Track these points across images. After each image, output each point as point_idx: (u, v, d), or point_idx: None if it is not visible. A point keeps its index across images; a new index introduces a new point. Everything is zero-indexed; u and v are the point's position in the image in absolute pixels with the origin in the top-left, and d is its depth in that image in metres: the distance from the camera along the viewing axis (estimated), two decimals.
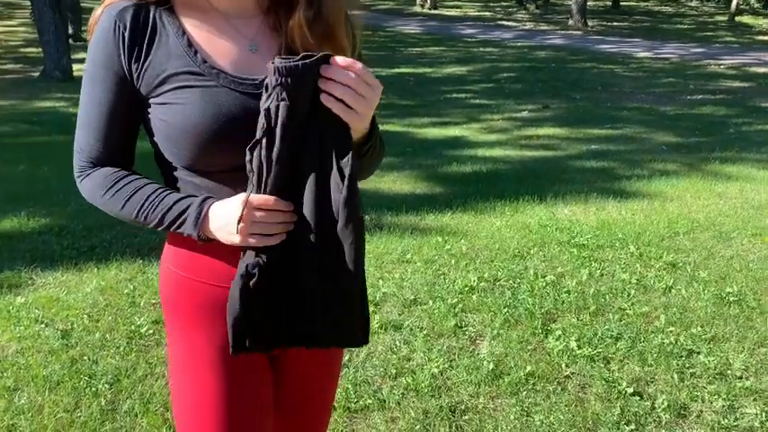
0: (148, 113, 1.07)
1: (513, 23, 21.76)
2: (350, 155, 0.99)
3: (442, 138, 7.52)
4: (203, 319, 1.16)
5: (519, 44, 17.47)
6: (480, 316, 2.94)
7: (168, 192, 1.08)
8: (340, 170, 1.00)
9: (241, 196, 1.02)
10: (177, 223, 1.06)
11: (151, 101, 1.06)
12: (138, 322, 2.81)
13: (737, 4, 22.27)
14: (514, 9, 25.45)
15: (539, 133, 8.31)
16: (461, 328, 2.82)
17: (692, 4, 27.25)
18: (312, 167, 1.01)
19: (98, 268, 3.37)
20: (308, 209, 1.02)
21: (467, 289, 3.18)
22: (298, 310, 1.08)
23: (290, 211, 1.03)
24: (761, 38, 19.01)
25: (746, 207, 4.66)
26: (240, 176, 1.06)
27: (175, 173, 1.10)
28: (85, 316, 2.87)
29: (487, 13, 24.22)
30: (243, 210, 1.00)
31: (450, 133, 8.02)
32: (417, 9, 24.86)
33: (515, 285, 3.25)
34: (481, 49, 16.63)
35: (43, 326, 2.78)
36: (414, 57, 15.36)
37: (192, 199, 1.07)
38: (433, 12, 24.26)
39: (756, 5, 25.48)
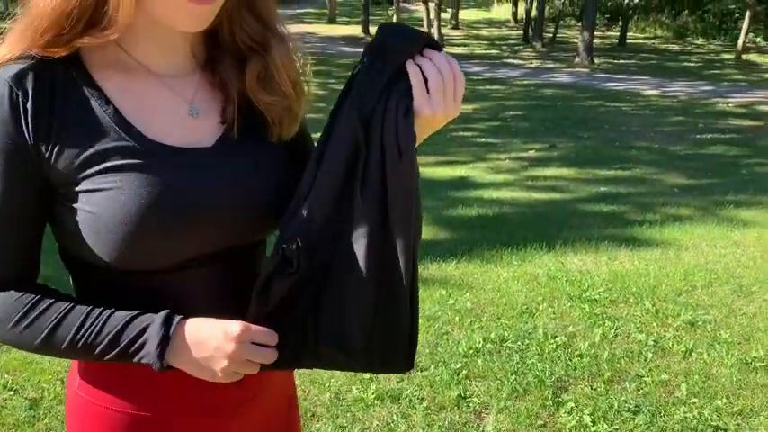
0: (64, 205, 0.83)
1: (520, 61, 21.82)
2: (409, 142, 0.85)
3: (448, 178, 7.37)
4: None
5: (525, 82, 17.46)
6: (486, 384, 2.71)
7: (110, 310, 0.84)
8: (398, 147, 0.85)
9: (228, 325, 0.82)
10: (133, 349, 0.82)
11: (69, 189, 0.82)
12: None
13: (744, 42, 22.28)
14: (521, 47, 25.56)
15: (546, 174, 8.14)
16: (465, 399, 2.60)
17: (699, 41, 27.33)
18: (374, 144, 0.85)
19: None
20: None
21: (471, 352, 2.95)
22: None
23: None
24: None
25: (766, 257, 4.43)
26: (190, 275, 0.86)
27: (100, 278, 0.86)
28: (58, 382, 2.66)
29: (494, 51, 24.33)
30: (235, 346, 0.81)
31: (457, 173, 7.87)
32: None
33: (524, 347, 3.02)
34: (488, 86, 16.60)
35: (12, 393, 2.58)
36: None
37: (150, 317, 0.83)
38: None
39: (762, 44, 25.50)
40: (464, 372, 2.79)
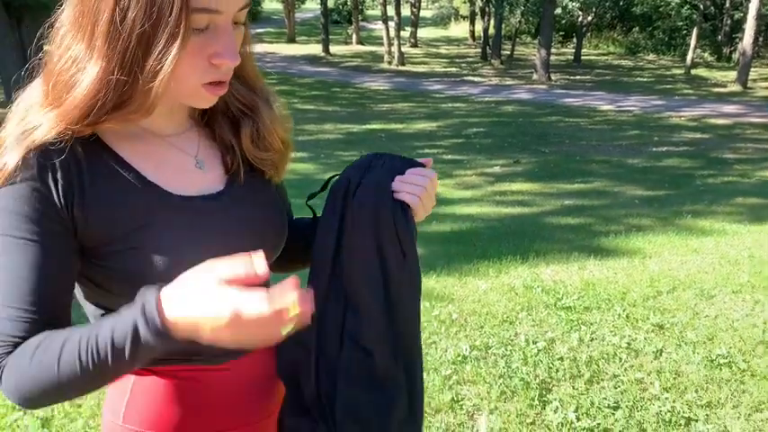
0: (99, 265, 0.87)
1: (479, 79, 22.32)
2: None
3: None
4: None
5: (486, 99, 17.89)
6: (476, 388, 2.89)
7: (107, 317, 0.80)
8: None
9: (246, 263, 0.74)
10: (131, 338, 0.74)
11: (103, 250, 0.86)
12: None
13: (692, 57, 23.21)
14: (479, 64, 26.12)
15: (512, 188, 8.43)
16: (458, 402, 2.77)
17: (650, 57, 28.32)
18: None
19: None
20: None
21: (459, 359, 3.13)
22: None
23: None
24: (716, 90, 19.79)
25: (723, 263, 4.74)
26: None
27: None
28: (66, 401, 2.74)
29: (453, 69, 24.81)
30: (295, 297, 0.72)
31: None
32: (385, 66, 25.36)
33: (508, 353, 3.22)
34: (450, 104, 16.96)
35: (22, 413, 2.65)
36: (384, 113, 15.59)
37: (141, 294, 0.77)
38: (400, 68, 24.76)
39: (710, 59, 26.59)
40: (454, 377, 2.97)
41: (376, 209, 1.01)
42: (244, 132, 1.00)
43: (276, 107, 1.04)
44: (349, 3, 35.96)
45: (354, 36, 32.85)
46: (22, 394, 0.79)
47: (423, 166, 1.06)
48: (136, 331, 0.74)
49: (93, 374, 0.77)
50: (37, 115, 0.84)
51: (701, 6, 24.02)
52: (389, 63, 25.47)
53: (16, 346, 0.80)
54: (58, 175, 0.82)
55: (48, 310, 0.82)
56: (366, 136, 12.47)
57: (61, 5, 0.85)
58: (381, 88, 19.86)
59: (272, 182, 1.07)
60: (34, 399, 0.79)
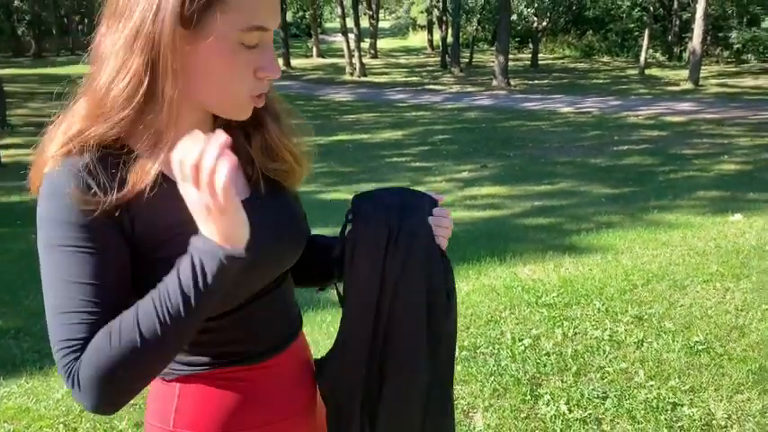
0: (150, 267, 0.88)
1: (440, 87, 22.56)
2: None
3: None
4: None
5: (449, 106, 18.09)
6: (469, 387, 2.95)
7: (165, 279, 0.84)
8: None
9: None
10: (198, 275, 0.79)
11: (152, 255, 0.89)
12: (120, 426, 2.68)
13: (645, 58, 23.85)
14: (440, 73, 26.40)
15: (482, 192, 8.56)
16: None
17: (605, 59, 28.99)
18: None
19: None
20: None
21: None
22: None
23: None
24: (670, 88, 20.36)
25: (692, 254, 4.90)
26: (255, 305, 1.02)
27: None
28: (61, 425, 2.72)
29: (414, 78, 25.03)
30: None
31: None
32: (347, 77, 25.46)
33: (496, 352, 3.29)
34: (413, 113, 17.10)
35: None
36: (349, 124, 15.66)
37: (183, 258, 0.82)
38: (362, 79, 24.89)
39: (662, 59, 27.35)
40: None
41: (428, 255, 1.04)
42: (254, 143, 1.05)
43: (285, 121, 1.09)
44: (308, 16, 36.03)
45: (315, 49, 32.90)
46: (102, 386, 0.79)
47: (436, 201, 1.12)
48: (194, 263, 0.80)
49: (170, 332, 0.80)
50: (78, 126, 0.88)
51: (651, 8, 24.73)
52: (351, 74, 25.58)
53: (85, 344, 0.81)
54: (102, 184, 0.84)
55: (109, 308, 0.83)
56: (334, 147, 12.50)
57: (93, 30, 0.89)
58: (345, 100, 19.95)
59: (290, 191, 1.11)
60: (118, 385, 0.80)
